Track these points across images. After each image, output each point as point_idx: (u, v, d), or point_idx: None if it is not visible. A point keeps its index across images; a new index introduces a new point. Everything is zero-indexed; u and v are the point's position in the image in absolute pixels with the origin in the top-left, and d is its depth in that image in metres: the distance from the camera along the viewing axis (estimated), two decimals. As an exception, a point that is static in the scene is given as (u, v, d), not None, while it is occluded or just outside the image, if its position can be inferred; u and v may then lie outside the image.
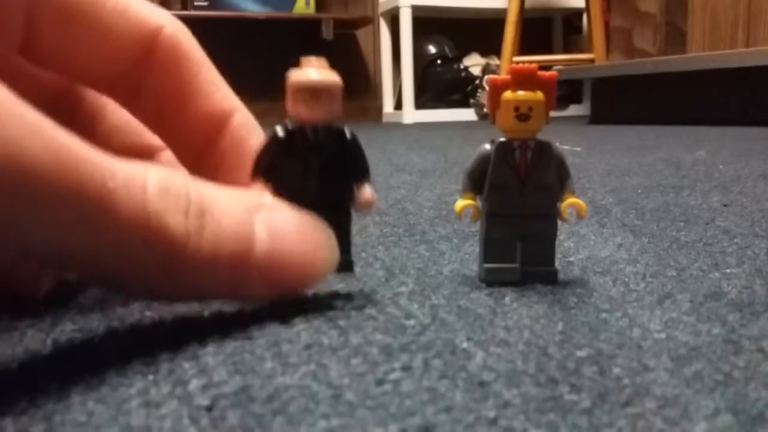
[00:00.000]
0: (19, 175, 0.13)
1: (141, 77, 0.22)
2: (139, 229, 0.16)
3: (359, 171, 0.21)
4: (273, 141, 0.20)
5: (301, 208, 0.19)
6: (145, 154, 0.24)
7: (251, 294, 0.18)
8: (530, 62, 0.23)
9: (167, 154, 0.25)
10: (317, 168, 0.20)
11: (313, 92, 0.20)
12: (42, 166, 0.14)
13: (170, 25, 0.21)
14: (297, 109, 0.20)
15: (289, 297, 0.19)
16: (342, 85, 0.20)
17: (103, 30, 0.20)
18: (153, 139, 0.25)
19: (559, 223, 0.23)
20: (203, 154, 0.23)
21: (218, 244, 0.17)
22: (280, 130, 0.20)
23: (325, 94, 0.20)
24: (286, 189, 0.20)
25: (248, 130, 0.23)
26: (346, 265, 0.21)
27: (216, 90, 0.22)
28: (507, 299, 0.21)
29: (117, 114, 0.24)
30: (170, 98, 0.22)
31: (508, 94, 0.22)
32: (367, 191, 0.21)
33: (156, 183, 0.16)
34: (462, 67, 2.38)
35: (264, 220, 0.18)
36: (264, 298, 0.19)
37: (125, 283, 0.17)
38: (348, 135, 0.21)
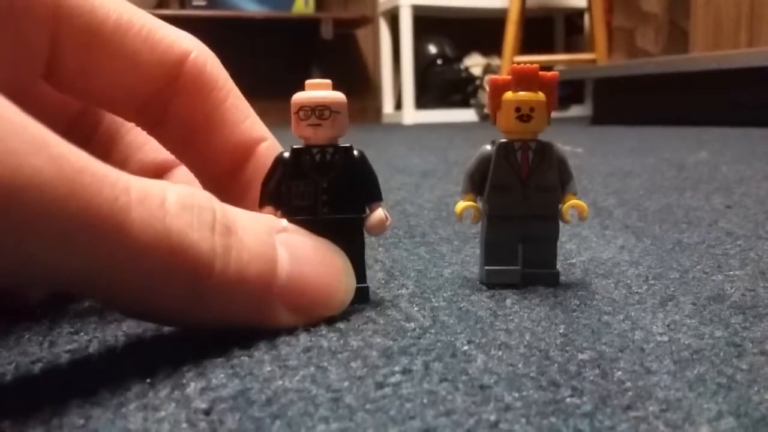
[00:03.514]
0: (19, 188, 0.12)
1: (167, 104, 0.21)
2: (159, 249, 0.14)
3: (369, 192, 0.20)
4: (279, 164, 0.20)
5: (312, 232, 0.19)
6: (164, 170, 0.24)
7: (275, 320, 0.17)
8: (531, 62, 0.23)
9: (185, 169, 0.24)
10: (325, 189, 0.20)
11: (315, 110, 0.19)
12: (45, 179, 0.13)
13: (197, 51, 0.21)
14: (301, 130, 0.20)
15: (312, 323, 0.18)
16: (346, 103, 0.20)
17: (128, 57, 0.20)
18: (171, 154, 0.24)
19: (561, 224, 0.23)
20: (229, 182, 0.22)
21: (244, 265, 0.16)
22: (286, 153, 0.20)
23: (328, 112, 0.19)
24: (296, 212, 0.19)
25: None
26: (360, 292, 0.20)
27: (243, 118, 0.22)
28: (508, 302, 0.21)
29: (135, 132, 0.24)
30: (196, 126, 0.21)
31: (509, 95, 0.22)
32: (378, 213, 0.20)
33: (177, 200, 0.15)
34: (462, 67, 2.38)
35: (284, 241, 0.18)
36: (287, 327, 0.18)
37: (146, 308, 0.16)
38: (356, 154, 0.20)
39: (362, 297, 0.20)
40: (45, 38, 0.19)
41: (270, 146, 0.22)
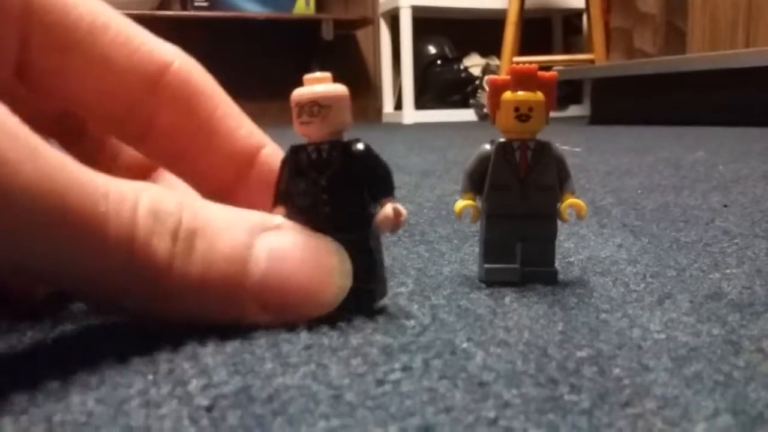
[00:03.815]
0: (12, 196, 0.13)
1: (150, 116, 0.21)
2: (126, 252, 0.16)
3: (378, 187, 0.19)
4: (284, 164, 0.20)
5: (315, 231, 0.19)
6: (153, 167, 0.24)
7: (247, 318, 0.18)
8: (530, 63, 0.23)
9: None
10: (324, 187, 0.19)
11: (305, 107, 0.19)
12: (32, 186, 0.14)
13: (179, 60, 0.20)
14: (297, 128, 0.19)
15: (294, 323, 0.18)
16: (346, 96, 0.19)
17: (102, 60, 0.19)
18: None
19: (559, 223, 0.23)
20: (233, 191, 0.22)
21: (209, 267, 0.17)
22: (289, 152, 0.20)
23: (317, 108, 0.19)
24: (298, 211, 0.19)
25: (278, 162, 0.22)
26: (363, 294, 0.19)
27: (237, 127, 0.21)
28: (507, 300, 0.21)
29: None
30: (188, 138, 0.21)
31: (508, 95, 0.22)
32: (386, 209, 0.19)
33: (147, 204, 0.16)
34: (462, 67, 2.38)
35: (267, 241, 0.18)
36: (262, 324, 0.18)
37: (117, 306, 0.17)
38: (359, 149, 0.19)
39: (366, 299, 0.20)
40: (14, 34, 0.19)
41: (271, 152, 0.22)
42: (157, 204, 0.16)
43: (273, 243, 0.18)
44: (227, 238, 0.17)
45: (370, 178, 0.19)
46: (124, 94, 0.20)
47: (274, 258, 0.18)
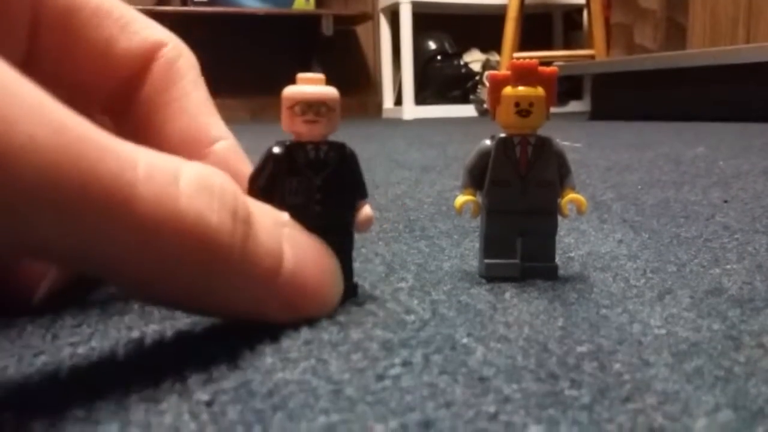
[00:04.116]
0: (12, 156, 0.11)
1: (134, 93, 0.21)
2: (171, 230, 0.14)
3: (358, 189, 0.20)
4: (270, 160, 0.19)
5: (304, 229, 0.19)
6: None
7: (270, 315, 0.17)
8: (531, 58, 0.23)
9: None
10: (319, 187, 0.19)
11: (313, 106, 0.19)
12: (40, 146, 0.12)
13: (172, 44, 0.21)
14: (295, 126, 0.19)
15: (303, 322, 0.18)
16: (339, 99, 0.19)
17: (104, 42, 0.20)
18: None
19: (560, 218, 0.23)
20: None
21: (257, 258, 0.16)
22: (277, 148, 0.19)
23: (324, 108, 0.19)
24: (288, 210, 0.19)
25: (236, 157, 0.22)
26: (349, 290, 0.20)
27: (203, 114, 0.21)
28: (507, 295, 0.21)
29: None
30: (156, 113, 0.21)
31: (508, 90, 0.22)
32: (366, 210, 0.20)
33: (193, 178, 0.14)
34: (462, 63, 2.38)
35: (287, 237, 0.17)
36: (279, 323, 0.17)
37: (151, 290, 0.15)
38: (350, 152, 0.20)
39: (350, 295, 0.20)
40: (26, 20, 0.19)
41: (230, 147, 0.22)
42: (206, 178, 0.15)
43: (292, 240, 0.17)
44: (266, 229, 0.16)
45: (356, 181, 0.20)
46: (121, 73, 0.21)
47: (296, 256, 0.17)
